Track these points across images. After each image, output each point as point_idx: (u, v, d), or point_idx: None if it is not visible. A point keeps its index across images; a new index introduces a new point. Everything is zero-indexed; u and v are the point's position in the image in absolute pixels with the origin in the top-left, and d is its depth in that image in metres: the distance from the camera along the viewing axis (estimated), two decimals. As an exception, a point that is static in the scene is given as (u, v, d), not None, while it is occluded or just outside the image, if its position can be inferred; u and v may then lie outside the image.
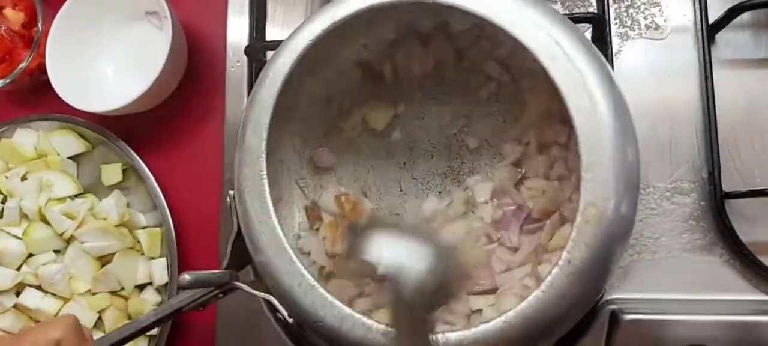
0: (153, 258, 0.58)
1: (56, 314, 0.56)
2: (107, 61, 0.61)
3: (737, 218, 0.46)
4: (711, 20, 0.49)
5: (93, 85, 0.60)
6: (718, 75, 0.48)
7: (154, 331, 0.55)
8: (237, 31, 0.58)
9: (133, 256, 0.57)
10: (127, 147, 0.58)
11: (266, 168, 0.41)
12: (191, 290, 0.43)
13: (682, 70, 0.50)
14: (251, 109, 0.43)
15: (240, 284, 0.44)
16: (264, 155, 0.42)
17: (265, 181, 0.41)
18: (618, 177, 0.35)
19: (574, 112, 0.36)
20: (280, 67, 0.42)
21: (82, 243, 0.56)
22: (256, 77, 0.55)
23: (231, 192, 0.44)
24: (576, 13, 0.51)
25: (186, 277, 0.41)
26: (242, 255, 0.44)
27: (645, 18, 0.51)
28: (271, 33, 0.57)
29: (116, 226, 0.56)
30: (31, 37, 0.61)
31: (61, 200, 0.57)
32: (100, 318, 0.57)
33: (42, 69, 0.58)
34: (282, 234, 0.40)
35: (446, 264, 0.39)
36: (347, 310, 0.38)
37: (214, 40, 0.61)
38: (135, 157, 0.58)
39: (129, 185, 0.60)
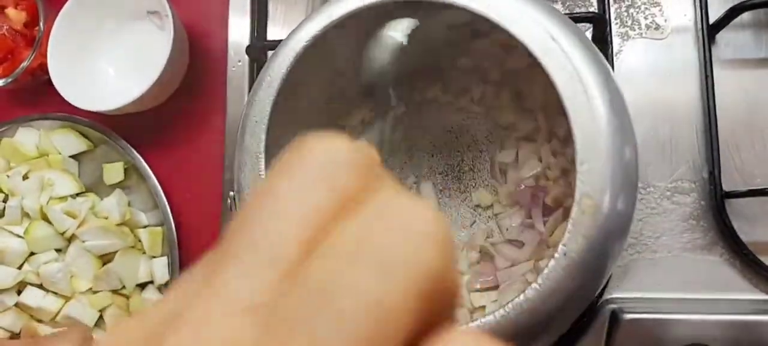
0: (154, 257, 0.58)
1: (57, 313, 0.56)
2: (109, 61, 0.61)
3: (737, 218, 0.46)
4: (711, 20, 0.49)
5: (94, 84, 0.60)
6: (719, 75, 0.48)
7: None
8: (238, 30, 0.58)
9: (135, 255, 0.57)
10: (129, 146, 0.58)
11: (265, 169, 0.42)
12: None
13: (683, 70, 0.50)
14: (250, 111, 0.43)
15: None
16: (263, 156, 0.42)
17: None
18: (614, 170, 0.36)
19: (569, 104, 0.36)
20: (277, 68, 0.42)
21: (84, 242, 0.56)
22: (257, 77, 0.55)
23: (231, 193, 0.44)
24: (576, 13, 0.51)
25: None
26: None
27: (645, 18, 0.51)
28: (273, 33, 0.57)
29: (117, 225, 0.57)
30: (33, 37, 0.61)
31: (63, 198, 0.58)
32: (101, 317, 0.57)
33: (43, 68, 0.58)
34: None
35: None
36: None
37: (215, 40, 0.61)
38: (136, 156, 0.58)
39: (130, 184, 0.60)
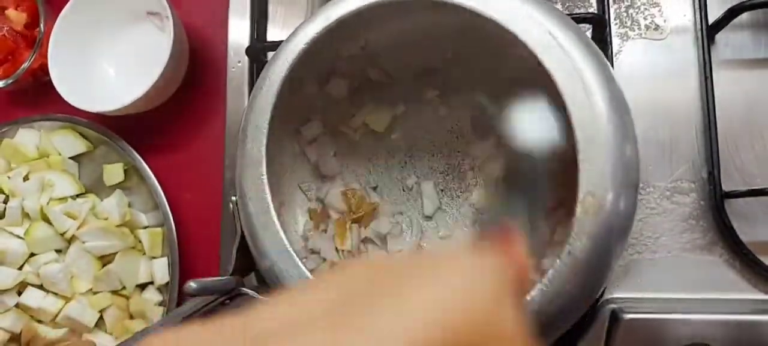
0: (154, 258, 0.58)
1: (58, 314, 0.56)
2: (109, 62, 0.62)
3: (737, 218, 0.46)
4: (710, 20, 0.49)
5: (95, 85, 0.60)
6: (718, 75, 0.48)
7: (155, 330, 0.55)
8: (238, 31, 0.58)
9: (135, 255, 0.57)
10: (129, 147, 0.58)
11: (267, 173, 0.42)
12: (198, 298, 0.42)
13: (682, 70, 0.50)
14: (250, 115, 0.43)
15: (246, 290, 0.43)
16: (264, 161, 0.42)
17: (267, 186, 0.41)
18: (615, 169, 0.36)
19: (569, 102, 0.36)
20: (277, 72, 0.42)
21: (84, 243, 0.56)
22: (257, 78, 0.55)
23: (233, 198, 0.44)
24: (576, 13, 0.51)
25: (192, 285, 0.40)
26: (247, 260, 0.44)
27: (645, 18, 0.51)
28: (272, 33, 0.57)
29: (117, 226, 0.57)
30: (34, 38, 0.61)
31: (63, 199, 0.58)
32: (101, 317, 0.57)
33: (44, 69, 0.58)
34: (285, 239, 0.40)
35: None
36: None
37: (215, 41, 0.61)
38: (136, 157, 0.58)
39: (130, 184, 0.60)
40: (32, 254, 0.57)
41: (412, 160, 0.52)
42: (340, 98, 0.51)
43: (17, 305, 0.57)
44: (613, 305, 0.46)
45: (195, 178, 0.60)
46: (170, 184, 0.58)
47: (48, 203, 0.57)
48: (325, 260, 0.47)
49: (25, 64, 0.59)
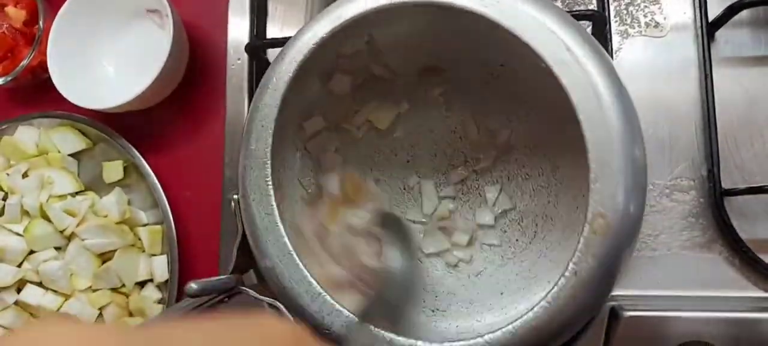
0: (154, 255, 0.58)
1: (57, 311, 0.56)
2: (108, 59, 0.62)
3: (736, 215, 0.46)
4: (710, 18, 0.49)
5: (94, 82, 0.60)
6: (718, 72, 0.48)
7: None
8: (238, 28, 0.58)
9: (134, 253, 0.57)
10: (128, 144, 0.58)
11: (271, 175, 0.41)
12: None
13: (682, 68, 0.50)
14: (255, 114, 0.42)
15: (246, 289, 0.43)
16: (269, 162, 0.41)
17: (271, 187, 0.41)
18: (627, 182, 0.35)
19: (584, 120, 0.35)
20: (282, 71, 0.42)
21: (83, 240, 0.56)
22: (257, 75, 0.55)
23: (234, 196, 0.44)
24: (576, 11, 0.51)
25: (193, 286, 0.40)
26: (246, 259, 0.44)
27: (645, 16, 0.51)
28: (272, 31, 0.57)
29: (117, 223, 0.57)
30: (33, 35, 0.61)
31: (62, 197, 0.58)
32: (100, 315, 0.57)
33: (43, 67, 0.58)
34: (288, 241, 0.40)
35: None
36: (353, 317, 0.38)
37: (215, 38, 0.61)
38: (136, 154, 0.58)
39: (130, 182, 0.60)
40: (31, 252, 0.57)
41: (414, 160, 0.52)
42: (343, 95, 0.50)
43: (16, 303, 0.57)
44: (612, 303, 0.46)
45: (194, 175, 0.60)
46: (170, 181, 0.58)
47: (47, 201, 0.57)
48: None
49: (25, 62, 0.59)
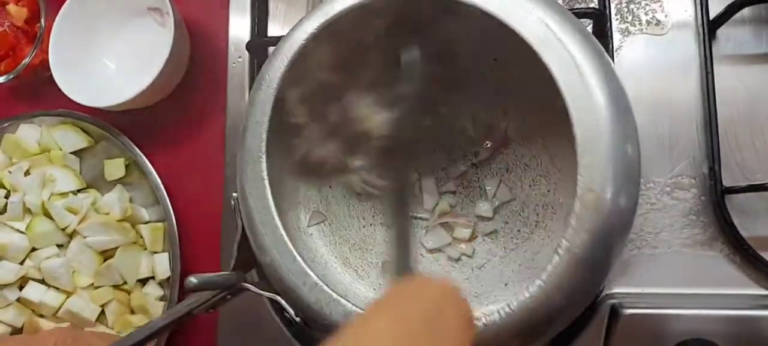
0: (155, 253, 0.58)
1: (59, 308, 0.56)
2: (110, 57, 0.62)
3: (737, 213, 0.46)
4: (712, 16, 0.49)
5: (96, 80, 0.60)
6: (719, 70, 0.48)
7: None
8: (239, 27, 0.58)
9: (136, 250, 0.57)
10: (130, 142, 0.58)
11: (267, 168, 0.42)
12: (200, 293, 0.43)
13: (683, 66, 0.50)
14: (250, 111, 0.43)
15: (248, 285, 0.43)
16: (264, 156, 0.42)
17: (266, 182, 0.41)
18: (616, 165, 0.35)
19: (568, 97, 0.36)
20: (276, 68, 0.42)
21: (85, 237, 0.56)
22: (258, 73, 0.55)
23: (234, 194, 0.44)
24: (577, 8, 0.51)
25: (192, 280, 0.40)
26: (248, 256, 0.44)
27: (646, 13, 0.51)
28: (273, 29, 0.58)
29: (119, 221, 0.57)
30: (34, 33, 0.61)
31: (64, 194, 0.58)
32: (102, 312, 0.57)
33: (45, 65, 0.58)
34: (285, 234, 0.41)
35: None
36: (351, 306, 0.38)
37: (216, 36, 0.61)
38: (137, 152, 0.58)
39: (131, 180, 0.60)
40: (33, 249, 0.57)
41: (414, 156, 0.52)
42: (341, 93, 0.50)
43: (19, 300, 0.57)
44: (612, 300, 0.46)
45: (196, 173, 0.60)
46: (171, 179, 0.59)
47: (49, 198, 0.57)
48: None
49: (26, 60, 0.59)
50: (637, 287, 0.48)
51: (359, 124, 0.46)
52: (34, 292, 0.56)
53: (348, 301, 0.39)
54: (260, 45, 0.54)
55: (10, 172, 0.58)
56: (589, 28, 0.51)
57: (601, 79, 0.36)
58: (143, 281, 0.58)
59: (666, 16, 0.51)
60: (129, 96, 0.54)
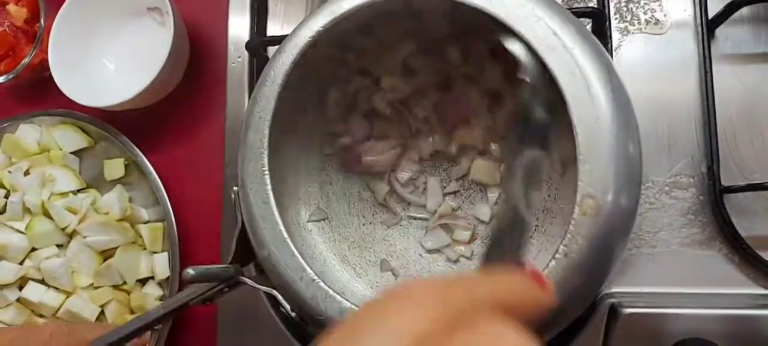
0: (155, 253, 0.58)
1: (59, 308, 0.56)
2: (109, 57, 0.62)
3: (736, 213, 0.46)
4: (711, 15, 0.49)
5: (95, 80, 0.60)
6: (718, 70, 0.48)
7: (156, 324, 0.55)
8: (238, 26, 0.58)
9: (135, 250, 0.58)
10: (129, 142, 0.58)
11: (269, 164, 0.42)
12: (197, 285, 0.43)
13: (682, 65, 0.50)
14: (254, 106, 0.43)
15: (245, 279, 0.44)
16: (266, 152, 0.42)
17: (268, 177, 0.42)
18: (617, 169, 0.35)
19: (571, 103, 0.36)
20: (281, 64, 0.42)
21: (85, 237, 0.56)
22: (257, 72, 0.55)
23: (235, 188, 0.44)
24: (576, 8, 0.51)
25: (189, 272, 0.41)
26: (246, 250, 0.44)
27: (645, 13, 0.51)
28: (272, 29, 0.58)
29: (118, 220, 0.57)
30: (34, 33, 0.61)
31: (64, 194, 0.58)
32: (102, 312, 0.57)
33: (44, 65, 0.58)
34: (284, 229, 0.41)
35: None
36: (347, 303, 0.39)
37: (215, 36, 0.61)
38: (137, 152, 0.58)
39: (131, 180, 0.60)
40: (33, 249, 0.57)
41: (415, 149, 0.52)
42: (344, 92, 0.50)
43: (18, 300, 0.57)
44: (611, 300, 0.46)
45: (196, 173, 0.60)
46: (171, 179, 0.59)
47: (49, 198, 0.57)
48: None
49: (26, 60, 0.59)
50: (635, 286, 0.48)
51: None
52: (33, 292, 0.56)
53: (345, 298, 0.39)
54: (260, 45, 0.54)
55: (9, 172, 0.58)
56: (588, 27, 0.51)
57: (604, 81, 0.36)
58: (143, 281, 0.58)
59: (665, 15, 0.51)
60: (128, 96, 0.55)
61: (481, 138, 0.50)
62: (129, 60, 0.61)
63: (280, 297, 0.42)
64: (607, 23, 0.49)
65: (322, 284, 0.39)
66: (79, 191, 0.59)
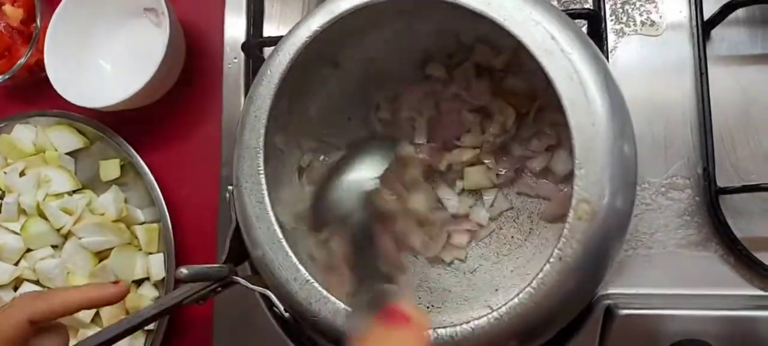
0: (150, 253, 0.58)
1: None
2: (105, 58, 0.62)
3: (732, 214, 0.46)
4: (706, 16, 0.49)
5: (91, 81, 0.60)
6: (713, 71, 0.48)
7: (152, 325, 0.55)
8: (234, 27, 0.58)
9: (131, 251, 0.57)
10: (125, 143, 0.58)
11: (264, 164, 0.42)
12: (191, 284, 0.43)
13: (678, 67, 0.50)
14: (249, 106, 0.43)
15: (238, 279, 0.44)
16: (262, 152, 0.42)
17: (263, 177, 0.42)
18: (613, 173, 0.35)
19: (568, 107, 0.36)
20: (277, 64, 0.42)
21: (80, 238, 0.56)
22: (253, 73, 0.55)
23: (229, 188, 0.44)
24: (572, 9, 0.51)
25: (183, 271, 0.41)
26: (241, 250, 0.44)
27: (640, 14, 0.51)
28: (268, 29, 0.57)
29: (114, 221, 0.57)
30: (30, 34, 0.61)
31: (59, 195, 0.58)
32: (97, 313, 0.57)
33: (40, 65, 0.58)
34: (279, 229, 0.41)
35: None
36: (340, 305, 0.39)
37: (211, 37, 0.61)
38: (133, 153, 0.58)
39: (127, 180, 0.60)
40: (28, 250, 0.57)
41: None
42: (341, 92, 0.50)
43: (13, 301, 0.57)
44: (607, 301, 0.46)
45: (191, 174, 0.60)
46: (166, 180, 0.59)
47: (44, 199, 0.57)
48: None
49: (22, 60, 0.59)
50: (631, 287, 0.47)
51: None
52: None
53: (338, 299, 0.39)
54: (256, 46, 0.54)
55: (5, 172, 0.58)
56: (584, 29, 0.51)
57: (600, 85, 0.36)
58: (138, 282, 0.58)
59: (661, 16, 0.51)
60: (124, 96, 0.54)
61: (473, 155, 0.50)
62: (125, 61, 0.61)
63: (273, 297, 0.42)
64: (603, 25, 0.49)
65: (315, 284, 0.39)
66: (74, 191, 0.59)
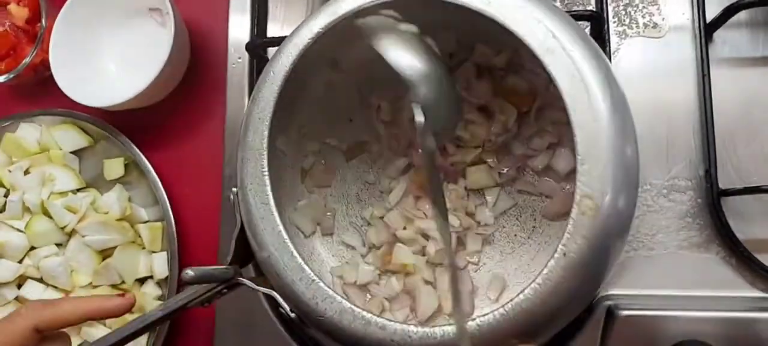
0: (154, 252, 0.58)
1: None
2: (110, 57, 0.62)
3: (733, 216, 0.47)
4: (708, 19, 0.49)
5: (96, 80, 0.60)
6: (716, 73, 0.48)
7: (154, 324, 0.55)
8: (238, 27, 0.58)
9: (134, 250, 0.58)
10: (129, 142, 0.58)
11: (268, 165, 0.42)
12: (196, 286, 0.43)
13: (680, 69, 0.50)
14: (253, 107, 0.43)
15: (244, 280, 0.44)
16: (266, 153, 0.42)
17: (267, 178, 0.42)
18: (616, 170, 0.36)
19: (570, 105, 0.36)
20: (281, 65, 0.43)
21: (84, 237, 0.56)
22: (257, 73, 0.55)
23: (233, 189, 0.44)
24: (574, 11, 0.51)
25: (189, 272, 0.41)
26: (245, 251, 0.44)
27: (643, 16, 0.52)
28: (272, 30, 0.58)
29: (117, 220, 0.57)
30: (35, 33, 0.61)
31: (63, 193, 0.58)
32: (101, 311, 0.57)
33: (45, 64, 0.58)
34: (284, 230, 0.41)
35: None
36: (347, 304, 0.39)
37: (216, 37, 0.61)
38: (137, 152, 0.58)
39: (131, 179, 0.60)
40: (32, 248, 0.57)
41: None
42: (346, 92, 0.51)
43: (17, 299, 0.57)
44: (609, 302, 0.46)
45: (195, 173, 0.60)
46: (170, 179, 0.59)
47: (49, 197, 0.57)
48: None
49: (27, 60, 0.59)
50: (633, 288, 0.48)
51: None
52: (32, 291, 0.56)
53: (344, 299, 0.39)
54: (260, 46, 0.55)
55: (9, 171, 0.58)
56: (587, 31, 0.51)
57: (602, 84, 0.37)
58: (142, 281, 0.58)
59: (663, 19, 0.51)
60: (129, 96, 0.55)
61: (475, 154, 0.50)
62: (129, 60, 0.61)
63: (279, 298, 0.42)
64: (606, 26, 0.49)
65: (321, 284, 0.39)
66: (78, 190, 0.59)
